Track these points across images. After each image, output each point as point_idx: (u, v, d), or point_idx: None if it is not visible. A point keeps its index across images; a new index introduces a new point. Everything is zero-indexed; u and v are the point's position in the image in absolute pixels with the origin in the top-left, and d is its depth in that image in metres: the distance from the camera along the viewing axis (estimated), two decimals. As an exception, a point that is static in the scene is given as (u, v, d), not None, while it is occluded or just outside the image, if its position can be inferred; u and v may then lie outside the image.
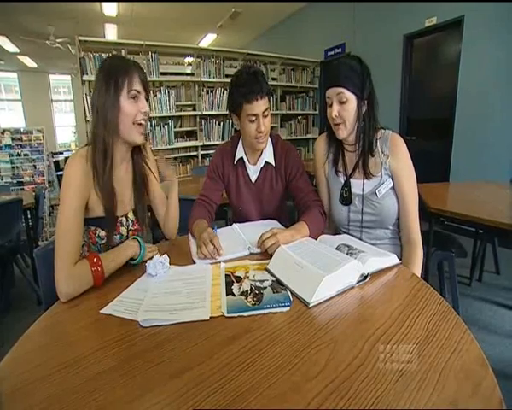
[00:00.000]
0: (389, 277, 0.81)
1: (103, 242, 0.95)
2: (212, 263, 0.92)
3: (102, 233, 0.94)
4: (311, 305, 0.68)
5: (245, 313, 0.66)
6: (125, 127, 0.88)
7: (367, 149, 1.09)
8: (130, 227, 1.03)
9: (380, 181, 1.09)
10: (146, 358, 0.55)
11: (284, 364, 0.52)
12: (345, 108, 1.04)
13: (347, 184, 1.15)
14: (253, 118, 1.15)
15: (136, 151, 1.01)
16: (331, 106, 1.06)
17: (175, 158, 4.26)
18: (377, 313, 0.65)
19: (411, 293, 0.72)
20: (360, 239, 1.16)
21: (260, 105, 1.14)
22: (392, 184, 1.08)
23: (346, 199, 1.15)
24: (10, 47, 6.48)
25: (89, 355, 0.57)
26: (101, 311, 0.70)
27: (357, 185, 1.14)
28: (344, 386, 0.46)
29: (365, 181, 1.11)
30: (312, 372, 0.50)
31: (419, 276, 0.95)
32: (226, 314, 0.66)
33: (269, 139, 1.28)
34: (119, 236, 0.99)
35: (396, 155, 1.07)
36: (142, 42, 3.59)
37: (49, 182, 4.02)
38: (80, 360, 0.56)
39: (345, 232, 1.21)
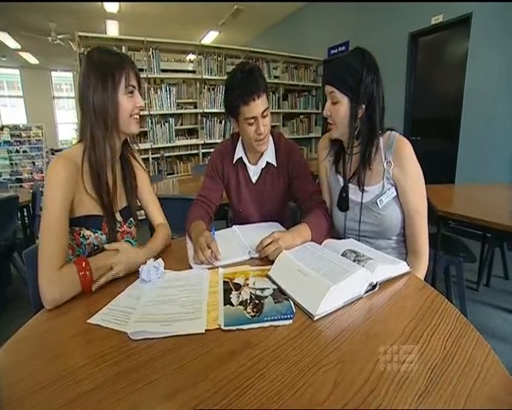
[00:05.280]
0: (399, 286, 0.75)
1: (87, 242, 0.90)
2: (209, 268, 0.87)
3: (87, 233, 0.90)
4: (315, 318, 0.62)
5: (244, 327, 0.61)
6: (124, 121, 0.89)
7: (362, 158, 1.00)
8: (117, 229, 0.97)
9: (381, 190, 1.00)
10: (135, 376, 0.50)
11: (287, 387, 0.46)
12: (336, 108, 0.98)
13: (345, 190, 1.07)
14: (252, 121, 1.08)
15: (125, 147, 1.00)
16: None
17: (176, 156, 4.22)
18: (388, 327, 0.59)
19: (425, 305, 0.66)
20: None
21: (258, 105, 1.06)
22: (395, 194, 0.99)
23: (344, 205, 1.07)
24: (12, 43, 6.44)
25: (72, 372, 0.52)
26: (88, 320, 0.65)
27: (356, 192, 1.05)
28: (355, 416, 0.41)
29: (365, 189, 1.03)
30: (319, 397, 0.44)
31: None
32: (223, 327, 0.61)
33: (270, 138, 1.22)
34: (105, 236, 0.93)
35: (400, 163, 0.97)
36: (143, 38, 3.55)
37: (49, 179, 3.98)
38: (63, 378, 0.50)
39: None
